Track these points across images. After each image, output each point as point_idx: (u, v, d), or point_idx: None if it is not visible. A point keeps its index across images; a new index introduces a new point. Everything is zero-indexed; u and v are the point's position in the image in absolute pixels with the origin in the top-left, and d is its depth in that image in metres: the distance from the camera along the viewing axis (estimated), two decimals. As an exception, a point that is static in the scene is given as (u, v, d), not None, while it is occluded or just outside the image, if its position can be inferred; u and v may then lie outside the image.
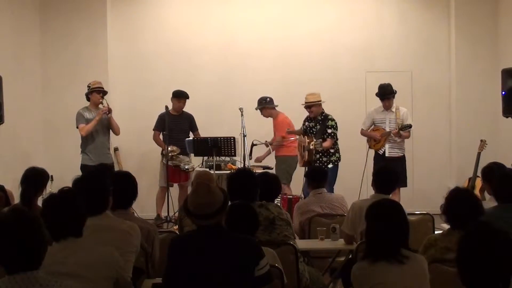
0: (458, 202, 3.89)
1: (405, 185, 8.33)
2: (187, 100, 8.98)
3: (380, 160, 8.26)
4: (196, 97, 9.29)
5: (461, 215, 3.80)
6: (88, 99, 8.51)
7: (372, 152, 8.56)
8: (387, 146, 8.29)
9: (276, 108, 9.06)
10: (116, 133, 8.65)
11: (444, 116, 10.00)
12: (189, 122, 9.01)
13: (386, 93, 8.29)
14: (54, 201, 3.39)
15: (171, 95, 8.98)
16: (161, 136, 8.94)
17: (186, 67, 9.96)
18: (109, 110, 8.42)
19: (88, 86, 8.55)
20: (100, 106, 8.44)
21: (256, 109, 9.03)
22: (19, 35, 9.05)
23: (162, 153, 8.95)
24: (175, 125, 8.78)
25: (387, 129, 8.28)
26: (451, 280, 3.01)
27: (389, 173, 5.37)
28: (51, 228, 3.23)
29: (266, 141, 8.97)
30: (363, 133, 8.59)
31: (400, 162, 8.27)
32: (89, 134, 8.35)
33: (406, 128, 8.12)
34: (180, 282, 3.32)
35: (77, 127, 8.38)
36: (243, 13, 10.11)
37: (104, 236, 3.71)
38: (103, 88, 8.54)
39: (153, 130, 8.98)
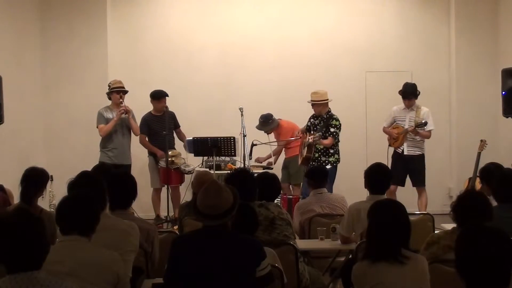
0: (470, 203, 3.83)
1: (423, 185, 8.41)
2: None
3: (398, 158, 8.37)
4: (196, 97, 9.27)
5: (469, 216, 3.73)
6: (110, 98, 8.57)
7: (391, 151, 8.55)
8: (405, 144, 8.36)
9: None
10: (136, 133, 8.66)
11: (444, 116, 9.99)
12: (173, 120, 8.87)
13: (407, 92, 8.39)
14: (78, 196, 3.44)
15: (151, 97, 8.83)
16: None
17: (186, 67, 9.94)
18: (126, 111, 8.42)
19: (108, 86, 8.60)
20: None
21: (265, 131, 8.94)
22: (19, 35, 9.05)
23: (150, 155, 8.91)
24: (160, 126, 8.72)
25: (406, 127, 8.33)
26: (451, 280, 3.01)
27: (380, 172, 5.27)
28: (65, 220, 3.27)
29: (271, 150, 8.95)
30: (383, 130, 8.68)
31: (418, 161, 8.38)
32: (107, 134, 8.38)
33: (421, 125, 8.15)
34: (181, 282, 3.32)
35: (97, 127, 8.44)
36: (243, 13, 10.10)
37: (104, 236, 3.70)
38: (122, 88, 8.56)
39: (139, 133, 8.79)
